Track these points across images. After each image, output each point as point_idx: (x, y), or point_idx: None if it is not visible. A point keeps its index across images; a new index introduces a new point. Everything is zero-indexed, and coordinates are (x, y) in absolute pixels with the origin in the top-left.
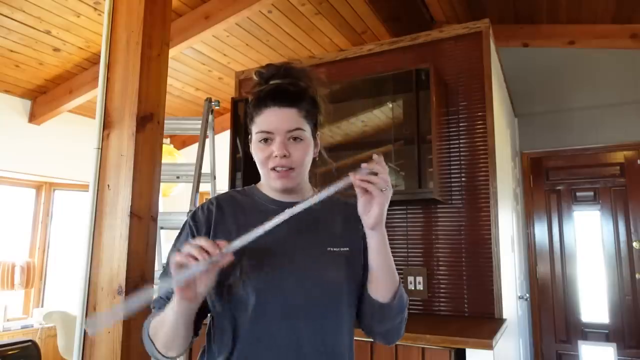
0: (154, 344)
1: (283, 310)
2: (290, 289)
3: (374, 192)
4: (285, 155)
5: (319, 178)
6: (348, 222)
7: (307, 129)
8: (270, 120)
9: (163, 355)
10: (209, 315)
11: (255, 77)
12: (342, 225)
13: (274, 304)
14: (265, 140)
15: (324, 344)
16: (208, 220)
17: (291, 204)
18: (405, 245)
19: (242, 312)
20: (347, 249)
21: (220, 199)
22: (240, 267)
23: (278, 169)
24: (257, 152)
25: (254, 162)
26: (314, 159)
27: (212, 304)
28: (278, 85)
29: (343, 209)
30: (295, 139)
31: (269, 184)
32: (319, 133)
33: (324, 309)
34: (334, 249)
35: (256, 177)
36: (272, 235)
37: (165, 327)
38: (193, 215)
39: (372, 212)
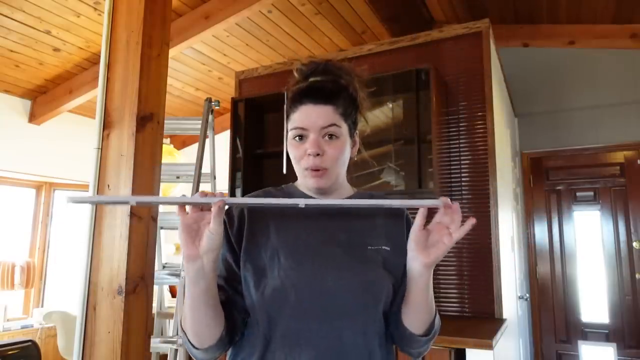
0: (186, 335)
1: (323, 309)
2: (330, 287)
3: (453, 231)
4: (318, 154)
5: None
6: (390, 220)
7: (344, 126)
8: (305, 116)
9: (196, 348)
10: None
11: (295, 74)
12: (384, 223)
13: (313, 302)
14: (300, 137)
15: (365, 343)
16: (241, 215)
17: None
18: None
19: (279, 310)
20: (388, 248)
21: (255, 195)
22: (279, 264)
23: (312, 169)
24: (291, 149)
25: (254, 162)
26: (352, 159)
27: (248, 302)
28: (316, 82)
29: (384, 207)
30: (330, 136)
31: (304, 183)
32: (357, 132)
33: (364, 308)
34: (375, 247)
35: (256, 177)
36: (313, 233)
37: (187, 310)
38: (227, 211)
39: (437, 250)
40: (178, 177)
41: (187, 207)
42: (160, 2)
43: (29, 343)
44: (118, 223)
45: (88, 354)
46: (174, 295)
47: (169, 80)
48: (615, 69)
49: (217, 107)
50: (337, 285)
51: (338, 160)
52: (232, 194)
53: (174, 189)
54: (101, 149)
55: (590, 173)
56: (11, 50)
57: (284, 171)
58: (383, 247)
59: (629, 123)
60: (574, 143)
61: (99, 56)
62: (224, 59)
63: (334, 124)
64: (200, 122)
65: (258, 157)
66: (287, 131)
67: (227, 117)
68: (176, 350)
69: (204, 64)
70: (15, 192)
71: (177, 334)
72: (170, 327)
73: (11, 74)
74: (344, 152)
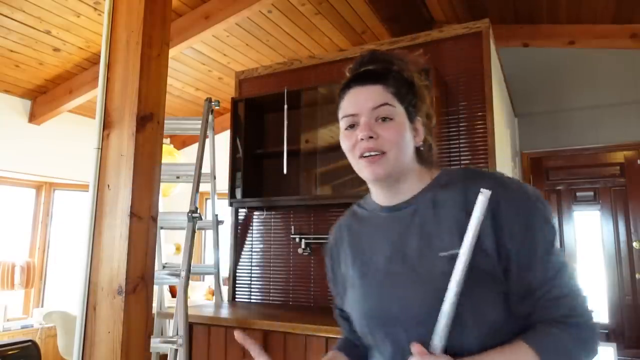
0: None
1: (394, 342)
2: (397, 318)
3: None
4: (371, 137)
5: (319, 177)
6: (469, 209)
7: (398, 106)
8: (353, 100)
9: None
10: None
11: (346, 74)
12: (462, 215)
13: (383, 334)
14: (352, 126)
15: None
16: (331, 254)
17: (397, 207)
18: None
19: (365, 338)
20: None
21: (340, 225)
22: (352, 293)
23: (366, 154)
24: (343, 141)
25: (254, 162)
26: (418, 149)
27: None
28: (365, 70)
29: (462, 189)
30: (383, 119)
31: (363, 178)
32: (419, 118)
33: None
34: (447, 253)
35: (256, 177)
36: (381, 248)
37: None
38: (326, 247)
39: None
40: (178, 177)
41: None
42: (160, 2)
43: (29, 343)
44: (118, 223)
45: (88, 354)
46: (174, 295)
47: (169, 80)
48: (615, 69)
49: (217, 107)
50: (404, 316)
51: (397, 144)
52: (232, 194)
53: (174, 189)
54: (101, 149)
55: (590, 173)
56: (11, 50)
57: (284, 171)
58: (456, 251)
59: (629, 123)
60: (574, 143)
61: (99, 56)
62: (224, 59)
63: (386, 103)
64: (200, 122)
65: (258, 157)
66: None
67: (227, 117)
68: (176, 351)
69: (204, 64)
70: (15, 192)
71: (177, 334)
72: (170, 327)
73: (11, 74)
74: (403, 135)
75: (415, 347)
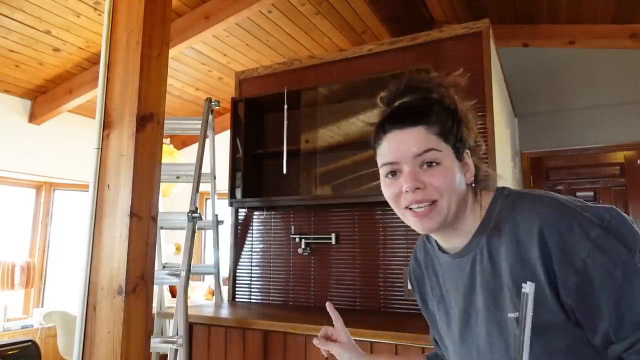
0: None
1: None
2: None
3: None
4: (418, 188)
5: (319, 177)
6: (520, 256)
7: (445, 148)
8: (393, 147)
9: None
10: None
11: (379, 104)
12: (515, 265)
13: None
14: (393, 173)
15: None
16: (417, 282)
17: (458, 255)
18: (406, 245)
19: None
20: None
21: (417, 257)
22: (440, 336)
23: (414, 207)
24: (385, 189)
25: (254, 162)
26: (470, 185)
27: None
28: (401, 104)
29: (512, 228)
30: (429, 164)
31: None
32: (468, 152)
33: None
34: (513, 315)
35: (256, 177)
36: (450, 293)
37: None
38: (410, 273)
39: None
40: (178, 177)
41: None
42: (160, 2)
43: (29, 343)
44: (118, 223)
45: (88, 354)
46: (174, 295)
47: (169, 80)
48: (615, 69)
49: (217, 107)
50: None
51: (447, 190)
52: (232, 194)
53: (174, 189)
54: (101, 149)
55: (590, 173)
56: (11, 50)
57: (284, 171)
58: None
59: (629, 123)
60: (574, 143)
61: (99, 56)
62: (224, 59)
63: (431, 149)
64: (200, 122)
65: (258, 157)
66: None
67: (227, 117)
68: (176, 351)
69: (204, 64)
70: (15, 192)
71: (177, 334)
72: (170, 327)
73: (11, 74)
74: (453, 179)
75: None
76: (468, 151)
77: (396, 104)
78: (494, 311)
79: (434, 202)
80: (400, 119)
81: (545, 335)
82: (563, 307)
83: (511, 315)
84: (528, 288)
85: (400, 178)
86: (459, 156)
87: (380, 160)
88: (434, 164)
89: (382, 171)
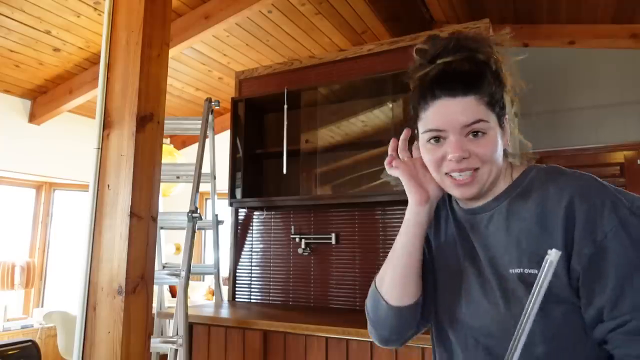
0: (379, 292)
1: (462, 344)
2: (465, 322)
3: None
4: (464, 157)
5: (319, 177)
6: (542, 221)
7: (492, 118)
8: (441, 114)
9: (390, 305)
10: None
11: (416, 57)
12: (534, 228)
13: (452, 333)
14: (437, 139)
15: None
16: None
17: (474, 210)
18: None
19: (434, 328)
20: (534, 270)
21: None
22: (433, 278)
23: (456, 175)
24: (425, 153)
25: (254, 162)
26: (505, 150)
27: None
28: (448, 65)
29: (540, 195)
30: (475, 134)
31: (447, 191)
32: (507, 117)
33: (504, 346)
34: (516, 272)
35: (256, 177)
36: (458, 245)
37: (392, 262)
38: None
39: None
40: (178, 177)
41: (401, 155)
42: (160, 2)
43: (29, 343)
44: (118, 223)
45: (88, 354)
46: (174, 295)
47: (169, 80)
48: (615, 69)
49: (217, 107)
50: (472, 322)
51: (490, 160)
52: (232, 194)
53: (174, 189)
54: (101, 149)
55: (590, 173)
56: (11, 50)
57: (284, 171)
58: (525, 271)
59: (629, 123)
60: (574, 143)
61: (99, 56)
62: (224, 59)
63: (480, 120)
64: (200, 122)
65: (258, 157)
66: (417, 130)
67: (227, 117)
68: (176, 351)
69: (204, 64)
70: (15, 192)
71: (177, 334)
72: (170, 327)
73: (11, 74)
74: (496, 148)
75: None
76: (507, 116)
77: (440, 61)
78: (496, 266)
79: (475, 170)
80: (452, 86)
81: (546, 300)
82: (569, 274)
83: (513, 271)
84: (553, 255)
85: (444, 145)
86: (500, 123)
87: (424, 124)
88: (480, 133)
89: (425, 136)
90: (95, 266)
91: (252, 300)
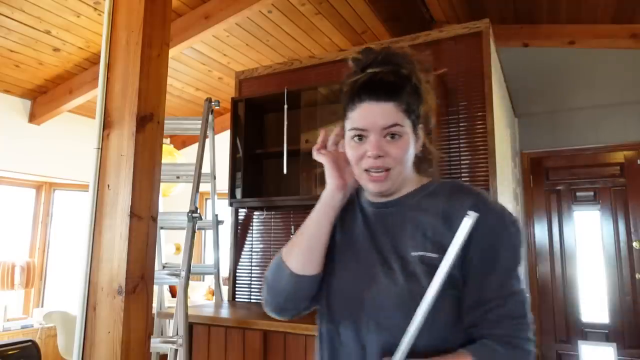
0: (284, 261)
1: (353, 319)
2: (360, 298)
3: None
4: (380, 156)
5: (319, 177)
6: (446, 218)
7: (407, 124)
8: (364, 116)
9: (293, 272)
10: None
11: (350, 64)
12: (438, 222)
13: (344, 310)
14: (360, 137)
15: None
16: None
17: (384, 204)
18: None
19: (323, 309)
20: (436, 255)
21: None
22: (331, 261)
23: (372, 171)
24: (349, 150)
25: (254, 162)
26: (416, 155)
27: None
28: (374, 75)
29: (445, 199)
30: (392, 136)
31: (363, 186)
32: (421, 125)
33: (397, 325)
34: (418, 254)
35: (256, 177)
36: (362, 235)
37: (304, 234)
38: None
39: None
40: (178, 177)
41: (329, 146)
42: (160, 2)
43: (29, 343)
44: (118, 223)
45: (88, 354)
46: (174, 295)
47: (169, 80)
48: (615, 69)
49: (217, 107)
50: (367, 295)
51: (402, 160)
52: (232, 194)
53: (174, 189)
54: (101, 149)
55: (590, 173)
56: (11, 50)
57: (284, 171)
58: (427, 254)
59: (629, 123)
60: (574, 143)
61: (99, 56)
62: (224, 59)
63: (397, 124)
64: (200, 122)
65: (258, 157)
66: (344, 130)
67: (227, 117)
68: (176, 351)
69: (204, 64)
70: (15, 192)
71: (177, 334)
72: (170, 327)
73: (11, 74)
74: (408, 151)
75: None
76: (421, 125)
77: (369, 71)
78: (400, 249)
79: (388, 170)
80: (376, 92)
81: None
82: (462, 264)
83: (415, 253)
84: (472, 216)
85: (365, 143)
86: (415, 130)
87: (350, 123)
88: (396, 136)
89: (351, 133)
90: (95, 266)
91: (252, 300)
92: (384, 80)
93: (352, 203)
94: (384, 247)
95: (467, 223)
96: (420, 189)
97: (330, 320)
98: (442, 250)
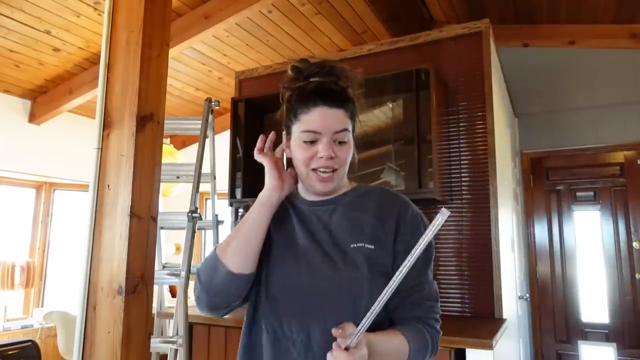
0: (219, 260)
1: (296, 308)
2: (303, 287)
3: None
4: (331, 157)
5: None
6: (379, 216)
7: (350, 130)
8: (319, 119)
9: (230, 271)
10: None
11: (290, 72)
12: (372, 219)
13: (287, 301)
14: (312, 141)
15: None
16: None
17: (320, 203)
18: None
19: (262, 303)
20: (372, 246)
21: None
22: (266, 260)
23: (321, 171)
24: (299, 151)
25: (254, 162)
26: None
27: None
28: (323, 84)
29: (377, 201)
30: (340, 142)
31: (308, 185)
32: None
33: (339, 309)
34: (357, 245)
35: (256, 177)
36: (301, 231)
37: (242, 232)
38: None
39: None
40: (178, 177)
41: (266, 150)
42: (160, 2)
43: (29, 343)
44: (118, 223)
45: (88, 354)
46: (174, 295)
47: (169, 80)
48: (615, 69)
49: (217, 107)
50: (310, 285)
51: (345, 163)
52: (232, 194)
53: (174, 189)
54: (101, 149)
55: (590, 173)
56: (11, 50)
57: None
58: (366, 245)
59: (629, 123)
60: (574, 143)
61: (99, 56)
62: (224, 59)
63: (346, 129)
64: (200, 122)
65: None
66: (289, 131)
67: (227, 117)
68: (176, 351)
69: (204, 64)
70: (15, 192)
71: (177, 334)
72: (170, 327)
73: (11, 74)
74: (350, 155)
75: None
76: (354, 134)
77: (315, 79)
78: (338, 244)
79: (334, 171)
80: (330, 98)
81: (378, 274)
82: (393, 254)
83: (354, 245)
84: (445, 212)
85: (317, 145)
86: (353, 135)
87: (302, 125)
88: (343, 142)
89: (302, 136)
90: (95, 266)
91: None
92: (334, 88)
93: (282, 205)
94: (323, 241)
95: (439, 219)
96: (352, 191)
97: (272, 312)
98: (377, 242)
